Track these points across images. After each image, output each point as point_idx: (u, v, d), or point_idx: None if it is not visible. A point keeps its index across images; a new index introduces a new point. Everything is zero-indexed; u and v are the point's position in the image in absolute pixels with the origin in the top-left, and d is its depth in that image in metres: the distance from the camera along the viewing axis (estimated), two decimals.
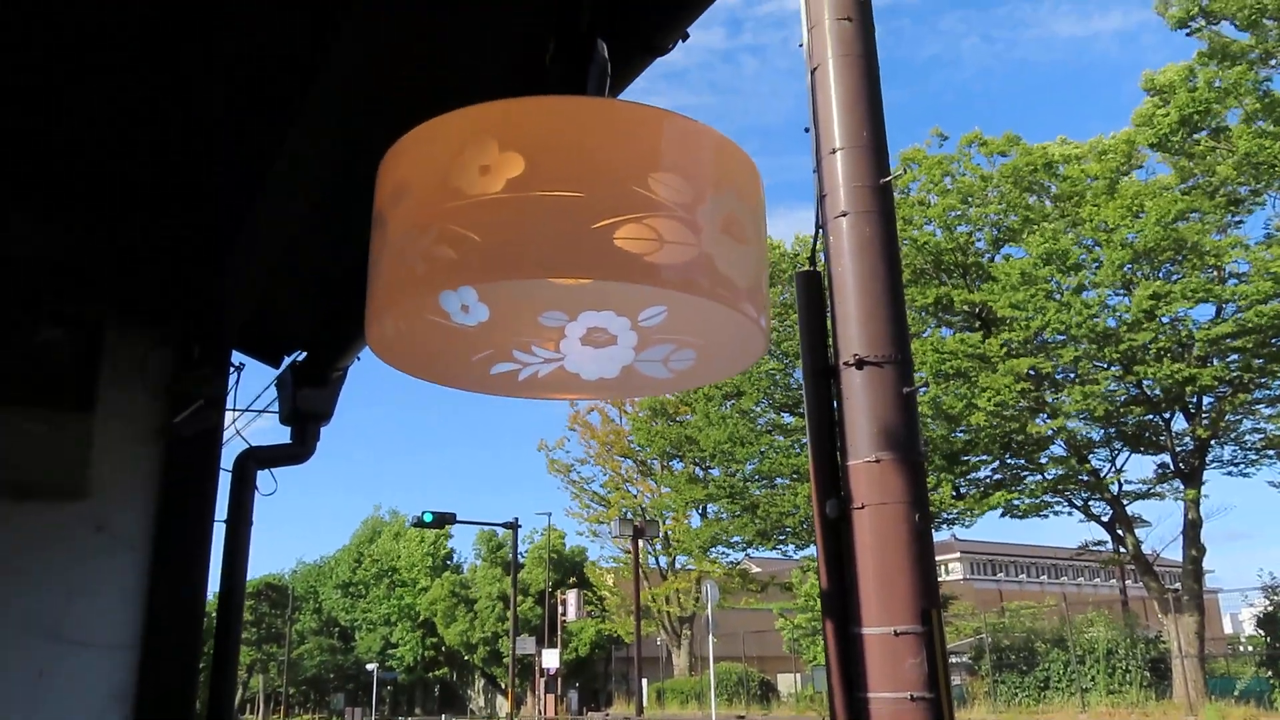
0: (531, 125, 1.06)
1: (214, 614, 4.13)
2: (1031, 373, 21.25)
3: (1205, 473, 22.44)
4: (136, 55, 2.56)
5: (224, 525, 4.13)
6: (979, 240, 23.80)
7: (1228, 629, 42.71)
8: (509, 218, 1.00)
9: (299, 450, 4.44)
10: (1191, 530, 22.02)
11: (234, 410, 4.26)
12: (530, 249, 1.00)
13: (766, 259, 1.16)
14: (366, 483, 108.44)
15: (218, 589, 4.14)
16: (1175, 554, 23.39)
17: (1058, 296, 20.76)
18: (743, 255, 1.08)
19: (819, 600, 24.94)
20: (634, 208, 1.00)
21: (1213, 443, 22.35)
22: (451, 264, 1.02)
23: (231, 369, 4.14)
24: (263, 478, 4.39)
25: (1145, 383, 20.98)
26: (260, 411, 4.97)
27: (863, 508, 5.50)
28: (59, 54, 2.57)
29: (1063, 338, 20.99)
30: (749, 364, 1.29)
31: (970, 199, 22.96)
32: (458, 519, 29.81)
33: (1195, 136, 19.78)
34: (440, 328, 1.22)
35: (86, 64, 2.59)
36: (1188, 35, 19.96)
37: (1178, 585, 23.23)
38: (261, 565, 74.44)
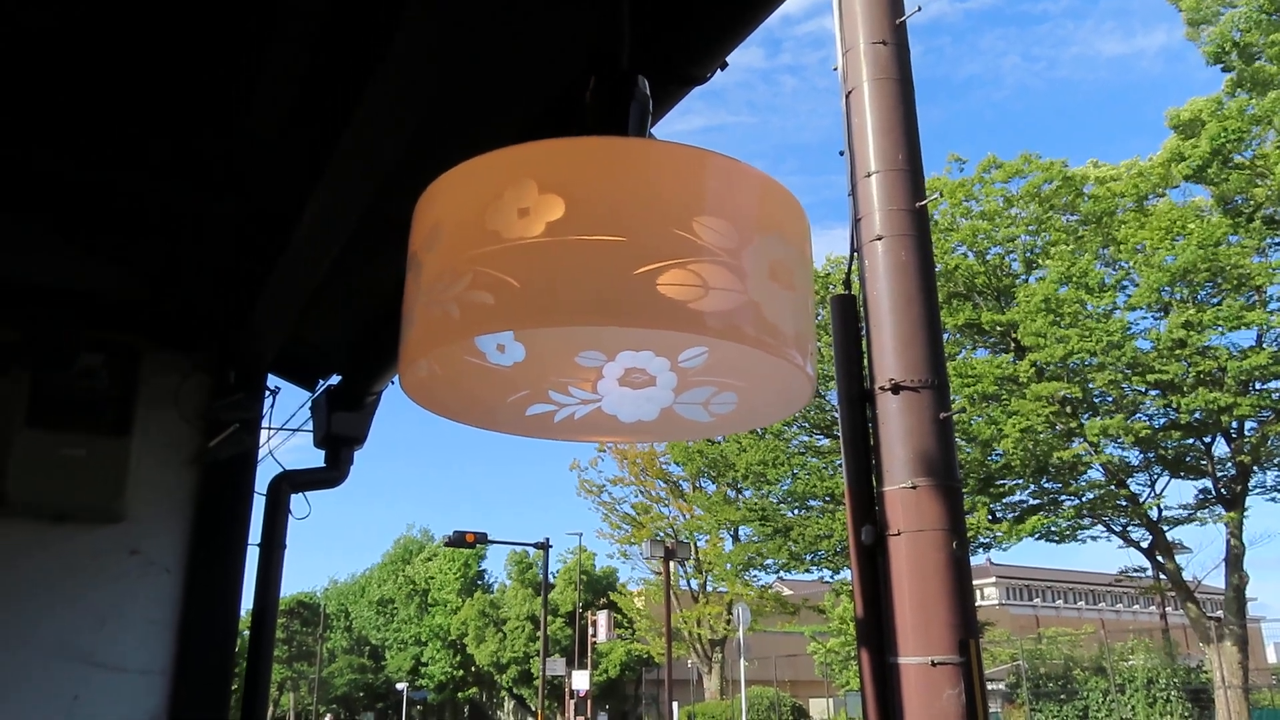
0: (572, 167, 1.03)
1: (246, 632, 4.14)
2: (1066, 396, 20.97)
3: (1248, 499, 22.01)
4: (176, 100, 2.59)
5: (257, 549, 4.14)
6: (1013, 261, 23.57)
7: (1271, 659, 41.71)
8: (549, 263, 0.98)
9: (333, 474, 4.44)
10: (1233, 557, 21.58)
11: (269, 428, 4.28)
12: (571, 295, 0.97)
13: (814, 303, 1.13)
14: (399, 498, 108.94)
15: (250, 611, 4.14)
16: (1217, 581, 22.93)
17: (1084, 320, 20.48)
18: (789, 301, 1.04)
19: (853, 626, 24.66)
20: (678, 253, 0.97)
21: (1255, 468, 21.92)
22: (489, 310, 0.99)
23: (267, 393, 4.15)
24: (296, 501, 4.40)
25: (1182, 409, 20.62)
26: (295, 430, 4.98)
27: (899, 534, 5.43)
28: (99, 103, 2.60)
29: (1095, 361, 20.68)
30: (794, 409, 1.25)
31: (997, 221, 22.74)
32: (489, 539, 29.84)
33: (1231, 162, 19.49)
34: (475, 368, 1.19)
35: (126, 112, 2.62)
36: (1223, 70, 19.74)
37: (1219, 613, 22.74)
38: (293, 583, 74.86)
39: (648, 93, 1.26)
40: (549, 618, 37.45)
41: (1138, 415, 21.16)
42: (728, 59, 2.10)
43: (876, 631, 5.46)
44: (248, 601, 4.03)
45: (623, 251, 0.97)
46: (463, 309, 0.99)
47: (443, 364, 1.18)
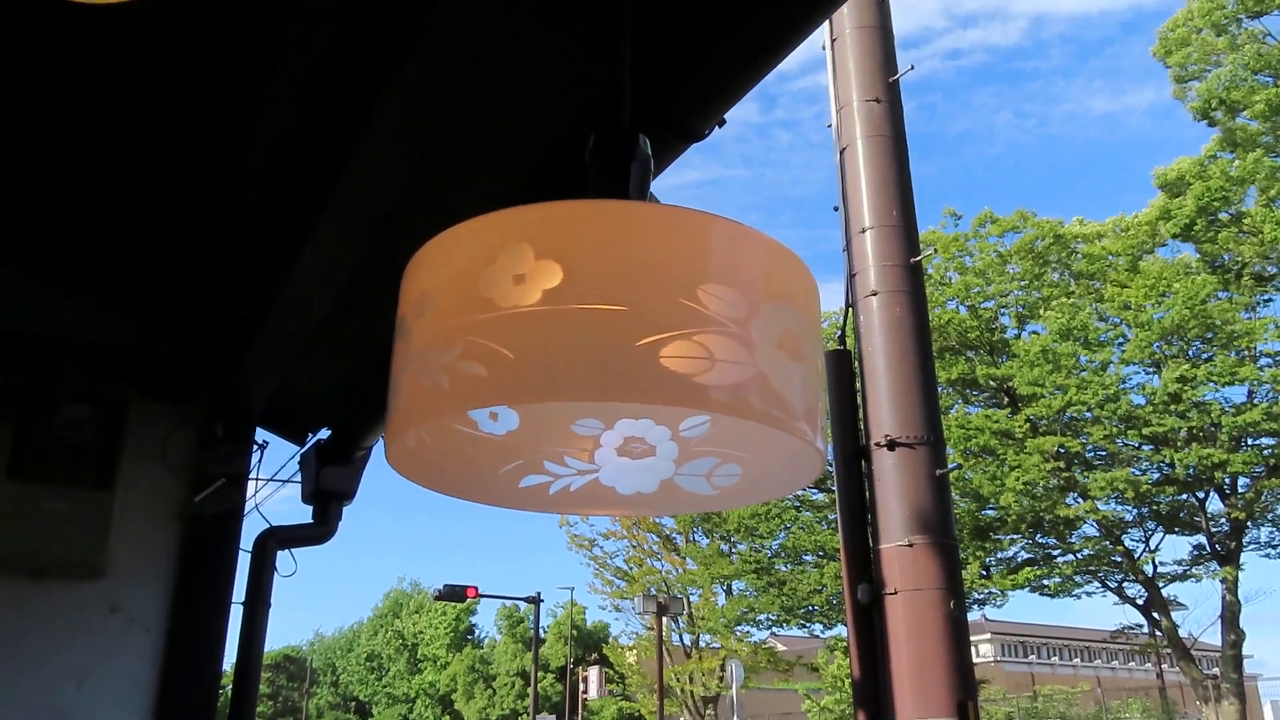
0: (570, 231, 0.99)
1: (229, 688, 4.03)
2: (1061, 450, 20.94)
3: (1243, 555, 21.90)
4: (166, 146, 2.57)
5: (241, 607, 4.04)
6: (1004, 316, 23.70)
7: (1269, 717, 41.28)
8: (545, 333, 0.92)
9: (320, 530, 4.36)
10: (1230, 614, 21.43)
11: (256, 479, 4.21)
12: (569, 368, 0.92)
13: (824, 374, 1.09)
14: (386, 551, 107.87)
15: (232, 670, 4.04)
16: (1214, 638, 22.72)
17: (1081, 374, 20.55)
18: (799, 373, 0.99)
19: (847, 683, 24.35)
20: (682, 323, 0.92)
21: (1249, 524, 21.85)
22: (481, 383, 0.93)
23: (255, 447, 4.09)
24: (281, 557, 4.31)
25: (1177, 465, 20.61)
26: (284, 482, 4.91)
27: (895, 593, 5.36)
28: (94, 146, 2.58)
29: (1090, 415, 20.71)
30: (803, 484, 1.20)
31: (988, 276, 22.90)
32: (480, 592, 29.53)
33: (1216, 220, 19.71)
34: (466, 438, 1.13)
35: (113, 154, 2.60)
36: (1209, 126, 20.06)
37: (1216, 671, 22.52)
38: (279, 637, 73.80)
39: (649, 151, 1.22)
40: (539, 673, 36.93)
41: (1132, 470, 21.14)
42: (725, 115, 2.08)
43: (873, 692, 5.38)
44: (230, 659, 3.94)
45: (624, 321, 0.92)
46: (453, 381, 0.94)
47: (431, 434, 1.13)
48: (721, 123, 2.07)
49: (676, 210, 0.99)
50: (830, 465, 5.93)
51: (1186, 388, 19.57)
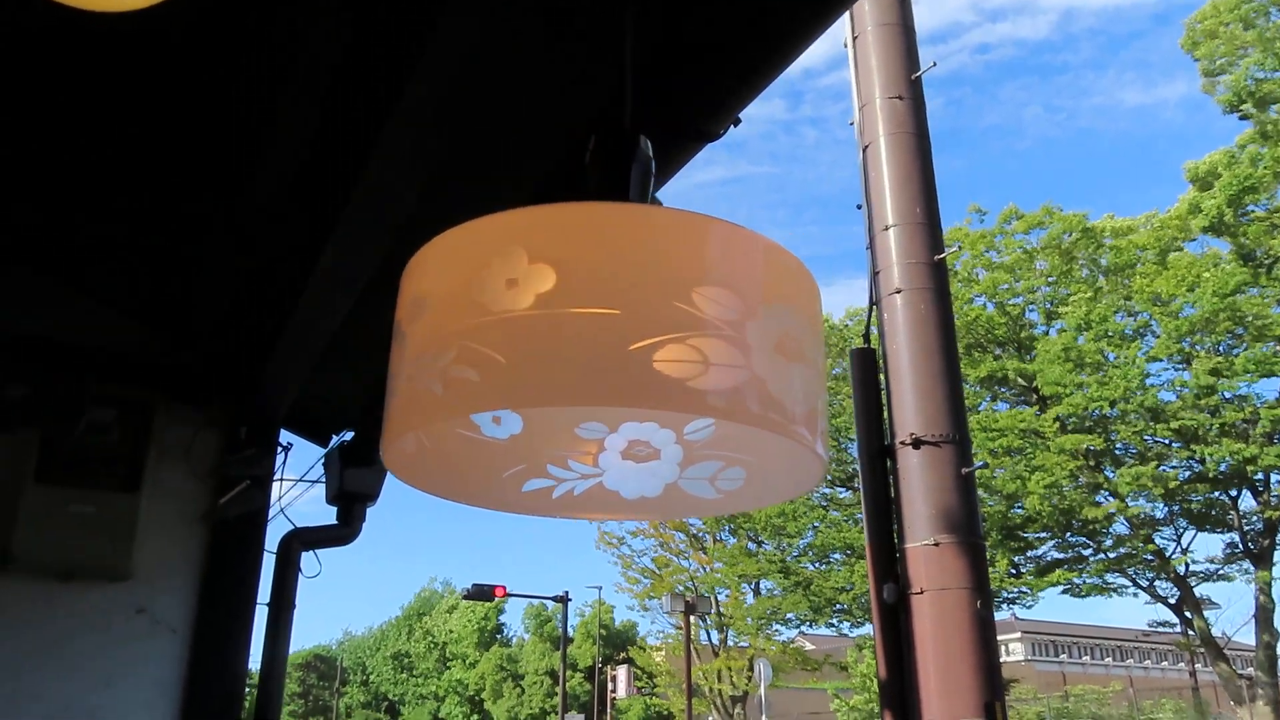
0: (564, 235, 0.97)
1: (254, 689, 4.06)
2: (1089, 449, 20.72)
3: (1276, 553, 21.58)
4: (189, 155, 2.58)
5: (266, 608, 4.07)
6: (1032, 312, 23.47)
7: None
8: (538, 337, 0.91)
9: (344, 531, 4.38)
10: (1263, 614, 21.12)
11: (280, 479, 4.23)
12: (561, 372, 0.91)
13: (824, 377, 1.07)
14: (414, 551, 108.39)
15: (258, 672, 4.07)
16: (1248, 638, 22.41)
17: (1103, 372, 20.31)
18: (798, 376, 0.98)
19: (875, 682, 24.25)
20: (676, 326, 0.91)
21: None
22: (473, 388, 0.92)
23: (279, 449, 4.11)
24: (306, 558, 4.33)
25: (1208, 460, 20.33)
26: (310, 484, 4.93)
27: (921, 593, 5.32)
28: (111, 157, 2.60)
29: (1116, 412, 20.46)
30: (805, 489, 1.18)
31: (1016, 272, 22.69)
32: (509, 591, 29.62)
33: (1248, 215, 19.39)
34: (467, 442, 1.13)
35: (139, 166, 2.62)
36: (1240, 119, 19.74)
37: (1251, 670, 22.22)
38: (309, 636, 74.34)
39: (650, 153, 1.21)
40: (568, 673, 37.01)
41: (1163, 468, 20.88)
42: (740, 115, 2.07)
43: (899, 693, 5.34)
44: (256, 660, 3.97)
45: (617, 325, 0.91)
46: (446, 386, 0.93)
47: (431, 438, 1.13)
48: (736, 122, 2.06)
49: (671, 212, 0.98)
50: (856, 463, 5.90)
51: (1221, 380, 19.30)
